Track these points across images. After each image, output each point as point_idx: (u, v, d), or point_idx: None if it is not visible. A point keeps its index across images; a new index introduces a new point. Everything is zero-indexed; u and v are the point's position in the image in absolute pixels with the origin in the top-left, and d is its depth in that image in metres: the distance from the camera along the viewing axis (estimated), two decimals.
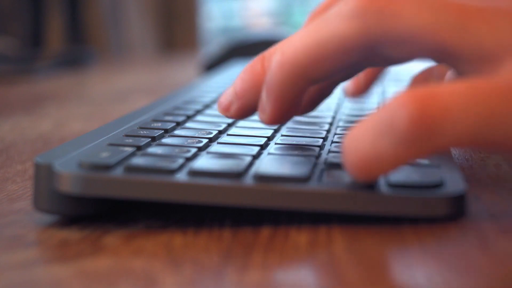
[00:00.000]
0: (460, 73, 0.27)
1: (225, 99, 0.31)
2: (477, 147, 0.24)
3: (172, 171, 0.26)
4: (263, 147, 0.32)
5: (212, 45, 1.47)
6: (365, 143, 0.24)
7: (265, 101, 0.29)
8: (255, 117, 0.39)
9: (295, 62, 0.27)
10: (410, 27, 0.26)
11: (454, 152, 0.38)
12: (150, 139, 0.31)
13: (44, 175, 0.27)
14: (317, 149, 0.31)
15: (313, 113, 0.40)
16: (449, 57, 0.26)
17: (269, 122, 0.29)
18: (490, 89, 0.24)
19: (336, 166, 0.28)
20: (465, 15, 0.25)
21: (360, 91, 0.43)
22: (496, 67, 0.25)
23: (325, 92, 0.33)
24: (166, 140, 0.31)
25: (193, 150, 0.29)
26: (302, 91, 0.28)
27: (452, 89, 0.24)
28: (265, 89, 0.29)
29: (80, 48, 1.20)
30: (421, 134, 0.23)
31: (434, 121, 0.23)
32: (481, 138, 0.24)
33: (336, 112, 0.42)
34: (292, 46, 0.27)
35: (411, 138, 0.23)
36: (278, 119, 0.29)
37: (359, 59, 0.27)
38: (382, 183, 0.27)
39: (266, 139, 0.33)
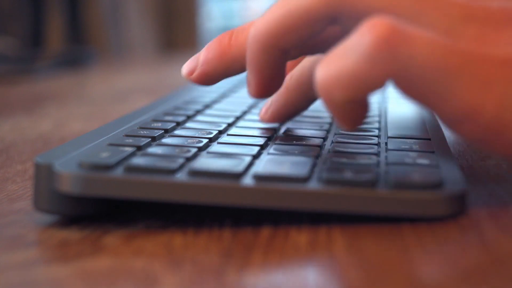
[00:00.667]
0: None
1: (189, 63, 0.33)
2: (422, 97, 0.26)
3: (172, 171, 0.26)
4: (263, 147, 0.32)
5: None
6: (331, 62, 0.26)
7: (249, 74, 0.31)
8: (255, 117, 0.39)
9: (267, 32, 0.30)
10: (369, 3, 0.28)
11: (455, 152, 0.38)
12: (150, 139, 0.31)
13: (44, 175, 0.27)
14: (317, 149, 0.31)
15: (313, 113, 0.40)
16: None
17: (255, 93, 0.32)
18: (455, 48, 0.26)
19: (336, 166, 0.28)
20: (422, 0, 0.27)
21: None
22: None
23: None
24: (166, 140, 0.31)
25: (193, 150, 0.29)
26: (278, 61, 0.30)
27: (422, 32, 0.26)
28: (247, 63, 0.31)
29: (80, 48, 1.20)
30: (383, 53, 0.25)
31: (398, 45, 0.25)
32: (429, 88, 0.26)
33: None
34: (263, 19, 0.30)
35: (374, 55, 0.25)
36: (263, 90, 0.32)
37: (323, 27, 0.29)
38: (382, 183, 0.27)
39: (266, 139, 0.33)
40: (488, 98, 0.26)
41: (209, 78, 0.33)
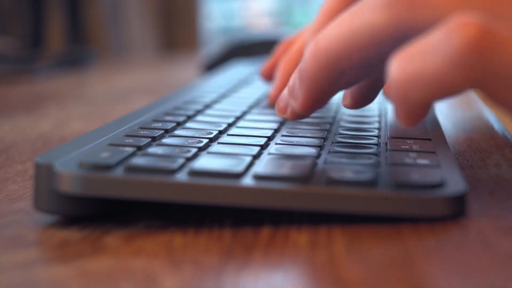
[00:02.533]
0: None
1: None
2: (508, 102, 0.24)
3: (173, 171, 0.26)
4: (263, 147, 0.32)
5: (212, 45, 1.47)
6: (412, 61, 0.24)
7: (298, 89, 0.29)
8: (255, 117, 0.39)
9: (328, 51, 0.27)
10: (441, 14, 0.25)
11: (455, 152, 0.38)
12: (150, 139, 0.31)
13: (44, 175, 0.27)
14: (317, 149, 0.31)
15: (313, 113, 0.40)
16: None
17: (299, 109, 0.30)
18: None
19: (336, 166, 0.28)
20: (499, 1, 0.25)
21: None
22: None
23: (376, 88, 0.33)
24: (167, 140, 0.31)
25: (194, 150, 0.29)
26: (334, 82, 0.28)
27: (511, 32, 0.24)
28: (298, 77, 0.29)
29: (80, 48, 1.20)
30: (474, 58, 0.23)
31: (489, 48, 0.23)
32: None
33: (336, 112, 0.42)
34: (325, 36, 0.28)
35: (463, 59, 0.23)
36: (309, 108, 0.30)
37: (391, 49, 0.27)
38: (382, 183, 0.27)
39: (266, 139, 0.33)
40: None
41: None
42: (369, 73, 0.29)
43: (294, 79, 0.30)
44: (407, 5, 0.26)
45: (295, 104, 0.30)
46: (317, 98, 0.29)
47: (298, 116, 0.31)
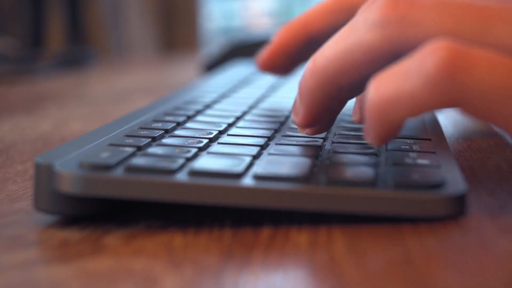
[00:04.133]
0: None
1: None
2: (490, 118, 0.25)
3: (173, 171, 0.26)
4: (263, 147, 0.32)
5: (212, 45, 1.47)
6: (388, 83, 0.25)
7: (298, 105, 0.30)
8: (255, 117, 0.39)
9: (325, 70, 0.28)
10: (431, 34, 0.26)
11: (455, 152, 0.38)
12: (150, 139, 0.31)
13: (44, 175, 0.27)
14: (317, 149, 0.31)
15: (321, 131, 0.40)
16: None
17: (302, 124, 0.31)
18: None
19: (336, 166, 0.28)
20: (486, 17, 0.26)
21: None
22: None
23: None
24: (167, 140, 0.31)
25: (194, 150, 0.29)
26: (333, 97, 0.29)
27: (487, 53, 0.25)
28: (298, 94, 0.30)
29: (80, 48, 1.20)
30: (447, 80, 0.24)
31: (463, 71, 0.24)
32: (497, 109, 0.25)
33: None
34: (323, 54, 0.29)
35: (437, 81, 0.24)
36: (311, 122, 0.31)
37: (384, 66, 0.28)
38: (382, 183, 0.27)
39: (266, 139, 0.33)
40: None
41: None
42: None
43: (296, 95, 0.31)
44: (398, 25, 0.27)
45: (297, 120, 0.31)
46: (317, 113, 0.30)
47: (304, 129, 0.32)
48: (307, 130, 0.32)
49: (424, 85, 0.25)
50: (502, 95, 0.24)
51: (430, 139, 0.34)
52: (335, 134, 0.35)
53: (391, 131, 0.26)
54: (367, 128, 0.27)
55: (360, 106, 0.34)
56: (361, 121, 0.34)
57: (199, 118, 0.38)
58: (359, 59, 0.28)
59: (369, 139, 0.27)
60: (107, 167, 0.26)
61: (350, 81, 0.28)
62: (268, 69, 0.44)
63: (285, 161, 0.29)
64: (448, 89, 0.25)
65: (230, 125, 0.36)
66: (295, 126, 0.36)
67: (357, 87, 0.29)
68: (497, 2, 0.27)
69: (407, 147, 0.32)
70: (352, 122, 0.38)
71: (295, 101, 0.31)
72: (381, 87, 0.26)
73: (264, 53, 0.44)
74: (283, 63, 0.43)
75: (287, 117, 0.39)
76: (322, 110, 0.30)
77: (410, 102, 0.25)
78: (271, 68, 0.43)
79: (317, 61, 0.29)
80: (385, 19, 0.27)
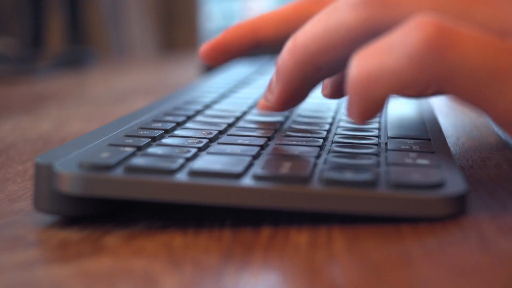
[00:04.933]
0: None
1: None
2: (470, 98, 0.25)
3: (172, 171, 0.26)
4: (263, 147, 0.32)
5: None
6: (371, 57, 0.25)
7: (275, 84, 0.30)
8: (255, 117, 0.39)
9: (305, 49, 0.28)
10: (411, 14, 0.26)
11: (455, 152, 0.38)
12: (150, 139, 0.31)
13: (44, 175, 0.27)
14: (317, 149, 0.31)
15: (313, 113, 0.40)
16: None
17: (275, 104, 0.31)
18: (505, 47, 0.24)
19: (336, 166, 0.28)
20: (469, 0, 0.26)
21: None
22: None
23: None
24: (166, 140, 0.31)
25: (193, 151, 0.29)
26: (310, 78, 0.29)
27: (473, 32, 0.24)
28: (276, 72, 0.30)
29: (80, 48, 1.20)
30: (431, 55, 0.24)
31: (447, 47, 0.24)
32: (479, 89, 0.24)
33: (336, 112, 0.42)
34: (303, 34, 0.29)
35: (421, 56, 0.24)
36: (284, 103, 0.30)
37: (362, 44, 0.28)
38: (382, 183, 0.27)
39: (266, 139, 0.33)
40: None
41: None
42: (345, 67, 0.30)
43: (272, 74, 0.31)
44: (379, 5, 0.27)
45: (271, 98, 0.31)
46: (293, 93, 0.30)
47: (271, 109, 0.31)
48: (276, 107, 0.31)
49: (408, 61, 0.24)
50: (486, 75, 0.24)
51: (430, 139, 0.34)
52: (335, 134, 0.35)
53: (373, 107, 0.26)
54: (349, 105, 0.26)
55: (333, 81, 0.34)
56: (330, 95, 0.34)
57: (199, 118, 0.38)
58: (340, 39, 0.28)
59: (351, 116, 0.27)
60: (107, 167, 0.26)
61: (330, 60, 0.28)
62: (206, 61, 0.44)
63: (285, 161, 0.28)
64: (432, 66, 0.24)
65: (230, 125, 0.36)
66: (296, 126, 0.36)
67: (334, 67, 0.29)
68: None
69: (407, 147, 0.32)
70: (352, 122, 0.38)
71: (271, 80, 0.30)
72: (364, 62, 0.25)
73: (206, 46, 0.44)
74: (223, 59, 0.42)
75: (287, 117, 0.39)
76: (297, 90, 0.30)
77: (393, 77, 0.25)
78: (209, 61, 0.43)
79: (298, 41, 0.29)
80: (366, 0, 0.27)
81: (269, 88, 0.31)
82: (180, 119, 0.37)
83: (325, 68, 0.29)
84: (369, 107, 0.26)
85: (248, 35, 0.41)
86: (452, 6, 0.26)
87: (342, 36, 0.27)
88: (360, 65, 0.25)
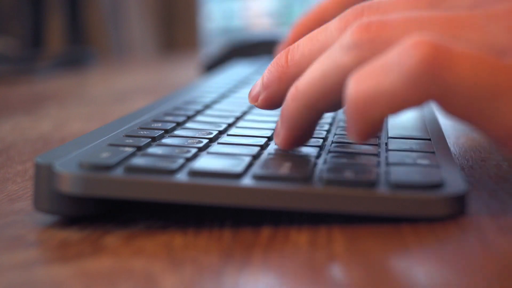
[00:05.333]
0: None
1: (253, 89, 0.33)
2: (468, 116, 0.25)
3: (172, 171, 0.26)
4: (263, 147, 0.32)
5: (212, 46, 1.47)
6: (368, 79, 0.25)
7: (280, 127, 0.31)
8: (255, 117, 0.39)
9: (306, 94, 0.29)
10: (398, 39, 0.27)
11: (455, 152, 0.38)
12: (150, 140, 0.31)
13: (44, 175, 0.27)
14: (317, 149, 0.31)
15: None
16: None
17: (282, 146, 0.31)
18: (501, 66, 0.25)
19: (336, 166, 0.28)
20: (456, 25, 0.27)
21: None
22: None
23: None
24: (166, 140, 0.31)
25: (193, 151, 0.29)
26: (312, 120, 0.30)
27: (469, 51, 0.25)
28: (280, 116, 0.30)
29: (80, 48, 1.20)
30: (428, 76, 0.24)
31: (444, 68, 0.24)
32: (476, 108, 0.25)
33: (335, 112, 0.42)
34: (304, 79, 0.29)
35: (417, 78, 0.24)
36: (292, 144, 0.31)
37: None
38: (382, 183, 0.27)
39: (266, 139, 0.33)
40: None
41: (273, 101, 0.32)
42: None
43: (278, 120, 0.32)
44: (371, 45, 0.27)
45: (278, 141, 0.31)
46: (298, 135, 0.30)
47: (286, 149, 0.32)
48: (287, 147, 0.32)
49: (405, 82, 0.25)
50: (483, 93, 0.24)
51: (430, 140, 0.34)
52: (335, 134, 0.35)
53: (372, 128, 0.26)
54: (348, 125, 0.27)
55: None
56: (253, 101, 0.33)
57: (199, 118, 0.38)
58: (337, 82, 0.28)
59: (350, 136, 0.27)
60: (107, 167, 0.26)
61: (330, 102, 0.29)
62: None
63: (285, 161, 0.29)
64: (429, 86, 0.25)
65: (230, 125, 0.36)
66: None
67: (335, 106, 0.30)
68: (466, 11, 0.27)
69: (407, 147, 0.32)
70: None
71: (277, 124, 0.31)
72: (361, 84, 0.26)
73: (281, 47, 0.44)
74: None
75: None
76: (302, 133, 0.30)
77: (390, 99, 0.25)
78: None
79: (299, 87, 0.29)
80: (358, 41, 0.27)
81: (276, 132, 0.31)
82: (180, 119, 0.37)
83: (326, 109, 0.30)
84: (368, 128, 0.26)
85: (316, 24, 0.41)
86: (441, 34, 0.26)
87: (339, 79, 0.28)
88: (357, 86, 0.26)
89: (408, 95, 0.25)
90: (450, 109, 0.25)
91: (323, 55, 0.29)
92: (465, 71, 0.24)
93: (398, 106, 0.25)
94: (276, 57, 0.32)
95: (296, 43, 0.31)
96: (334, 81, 0.28)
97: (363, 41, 0.27)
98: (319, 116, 0.30)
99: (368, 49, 0.27)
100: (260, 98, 0.32)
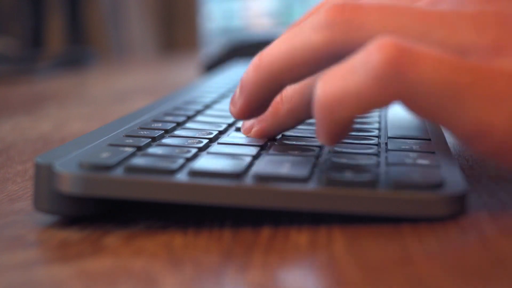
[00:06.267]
0: None
1: (246, 122, 0.34)
2: (432, 115, 0.26)
3: (172, 172, 0.26)
4: (263, 147, 0.32)
5: (212, 46, 1.47)
6: (335, 79, 0.26)
7: (238, 96, 0.31)
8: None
9: (270, 67, 0.29)
10: (373, 36, 0.27)
11: (455, 152, 0.38)
12: (150, 140, 0.31)
13: (44, 175, 0.27)
14: (317, 149, 0.31)
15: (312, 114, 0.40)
16: None
17: (237, 115, 0.31)
18: (462, 64, 0.25)
19: (336, 166, 0.28)
20: (427, 20, 0.27)
21: None
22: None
23: None
24: (166, 140, 0.32)
25: (194, 151, 0.29)
26: (272, 93, 0.30)
27: (432, 50, 0.25)
28: (239, 85, 0.31)
29: (80, 48, 1.20)
30: (392, 75, 0.25)
31: (407, 65, 0.25)
32: (440, 106, 0.25)
33: None
34: (268, 52, 0.29)
35: (382, 76, 0.25)
36: (246, 114, 0.31)
37: (327, 66, 0.29)
38: (382, 183, 0.27)
39: (266, 139, 0.33)
40: (499, 115, 0.25)
41: (267, 134, 0.33)
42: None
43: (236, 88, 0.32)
44: (343, 27, 0.28)
45: (234, 110, 0.31)
46: (254, 106, 0.31)
47: (234, 117, 0.32)
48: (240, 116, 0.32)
49: (370, 82, 0.25)
50: (445, 92, 0.25)
51: (430, 140, 0.34)
52: None
53: (340, 129, 0.27)
54: (317, 127, 0.27)
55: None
56: (252, 136, 0.34)
57: (199, 118, 0.38)
58: (303, 59, 0.28)
59: (320, 138, 0.28)
60: (107, 167, 0.26)
61: (292, 79, 0.29)
62: None
63: (285, 161, 0.29)
64: (393, 85, 0.25)
65: (230, 125, 0.36)
66: (296, 127, 0.36)
67: (296, 83, 0.30)
68: (440, 8, 0.28)
69: (407, 147, 0.32)
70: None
71: (235, 93, 0.31)
72: (327, 85, 0.26)
73: None
74: None
75: None
76: (260, 104, 0.31)
77: (356, 99, 0.26)
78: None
79: (263, 58, 0.29)
80: (330, 21, 0.28)
81: (232, 100, 0.32)
82: (180, 119, 0.37)
83: (289, 83, 0.30)
84: (336, 129, 0.27)
85: None
86: (413, 27, 0.27)
87: (306, 56, 0.28)
88: (325, 88, 0.26)
89: (373, 95, 0.25)
90: (415, 108, 0.26)
91: (292, 30, 0.29)
92: (426, 70, 0.25)
93: (365, 106, 0.26)
94: (253, 59, 0.32)
95: (273, 42, 0.32)
96: (300, 58, 0.28)
97: (336, 22, 0.28)
98: (279, 89, 0.30)
99: (340, 30, 0.27)
100: (254, 130, 0.33)
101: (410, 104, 0.26)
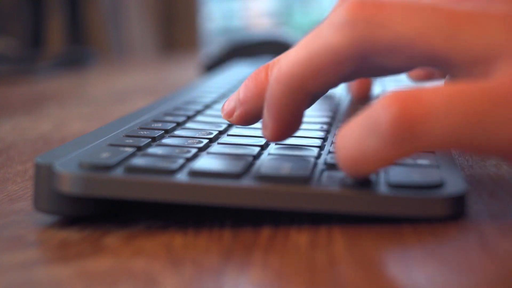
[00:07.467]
0: (454, 77, 0.27)
1: (228, 104, 0.31)
2: (460, 149, 0.24)
3: (173, 172, 0.26)
4: (263, 147, 0.32)
5: (212, 46, 1.47)
6: (351, 141, 0.25)
7: (267, 117, 0.29)
8: None
9: (291, 75, 0.27)
10: (399, 35, 0.26)
11: (455, 152, 0.38)
12: (150, 140, 0.31)
13: (44, 175, 0.27)
14: (317, 149, 0.31)
15: (312, 114, 0.40)
16: (441, 63, 0.26)
17: (272, 138, 0.29)
18: (476, 91, 0.24)
19: (336, 166, 0.28)
20: (454, 20, 0.26)
21: (365, 92, 0.46)
22: (487, 70, 0.25)
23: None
24: (167, 140, 0.31)
25: (194, 151, 0.29)
26: (301, 105, 0.28)
27: (437, 91, 0.24)
28: (266, 105, 0.29)
29: (80, 48, 1.20)
30: (404, 135, 0.24)
31: (416, 122, 0.24)
32: (464, 139, 0.24)
33: (336, 112, 0.42)
34: (287, 60, 0.28)
35: (394, 139, 0.24)
36: (281, 134, 0.29)
37: (352, 68, 0.27)
38: (382, 183, 0.27)
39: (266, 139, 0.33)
40: None
41: (249, 117, 0.31)
42: (335, 87, 0.29)
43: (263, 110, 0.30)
44: (366, 25, 0.26)
45: (267, 133, 0.29)
46: (287, 123, 0.29)
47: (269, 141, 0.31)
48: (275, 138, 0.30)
49: (383, 146, 0.24)
50: (463, 130, 0.24)
51: None
52: (335, 134, 0.35)
53: (369, 174, 0.26)
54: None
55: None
56: (233, 122, 0.32)
57: (199, 118, 0.38)
58: (326, 62, 0.27)
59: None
60: (107, 167, 0.26)
61: (318, 85, 0.27)
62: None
63: (285, 161, 0.29)
64: (407, 143, 0.24)
65: (230, 125, 0.36)
66: None
67: (325, 89, 0.29)
68: (467, 7, 0.26)
69: None
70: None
71: (264, 115, 0.29)
72: (345, 144, 0.25)
73: None
74: None
75: None
76: (291, 120, 0.29)
77: (375, 159, 0.25)
78: None
79: (283, 68, 0.28)
80: (351, 19, 0.26)
81: (263, 124, 0.30)
82: (180, 119, 0.37)
83: (316, 92, 0.28)
84: (365, 175, 0.26)
85: None
86: (439, 26, 0.26)
87: (328, 59, 0.27)
88: (342, 146, 0.25)
89: (390, 154, 0.24)
90: (440, 150, 0.25)
91: (310, 34, 0.27)
92: (436, 125, 0.24)
93: (386, 163, 0.25)
94: (254, 72, 0.31)
95: (277, 58, 0.30)
96: (322, 61, 0.27)
97: (357, 19, 0.26)
98: (307, 99, 0.28)
99: (362, 29, 0.26)
100: (236, 113, 0.31)
101: (434, 150, 0.25)
